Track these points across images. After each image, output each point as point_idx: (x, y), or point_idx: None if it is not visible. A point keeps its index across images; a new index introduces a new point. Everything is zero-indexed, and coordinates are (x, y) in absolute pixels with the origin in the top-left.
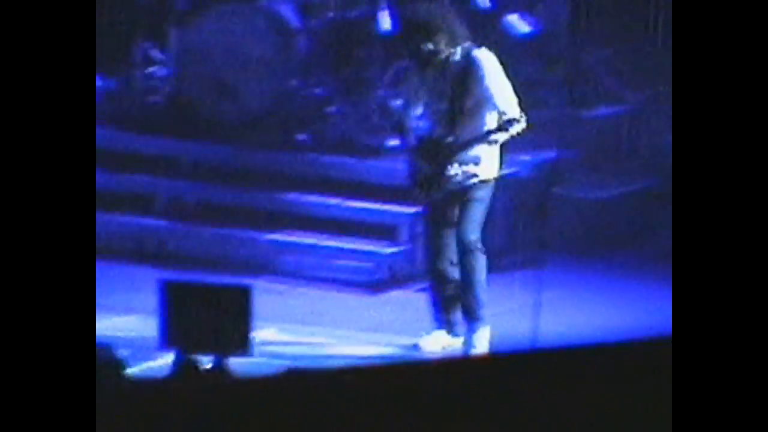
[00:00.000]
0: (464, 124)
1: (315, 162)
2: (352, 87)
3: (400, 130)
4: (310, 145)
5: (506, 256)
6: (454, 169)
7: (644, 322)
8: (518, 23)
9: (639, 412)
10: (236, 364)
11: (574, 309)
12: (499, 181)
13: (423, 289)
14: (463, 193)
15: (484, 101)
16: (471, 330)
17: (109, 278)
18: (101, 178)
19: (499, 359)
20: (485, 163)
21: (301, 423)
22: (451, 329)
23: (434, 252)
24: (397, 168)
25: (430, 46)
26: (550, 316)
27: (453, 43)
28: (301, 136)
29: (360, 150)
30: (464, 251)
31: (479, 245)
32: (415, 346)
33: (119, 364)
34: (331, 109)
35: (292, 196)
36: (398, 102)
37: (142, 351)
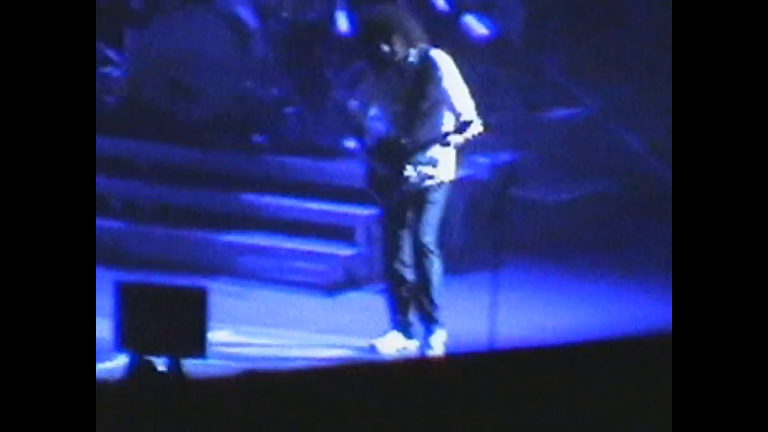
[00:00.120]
0: (421, 126)
1: (272, 163)
2: (309, 88)
3: (357, 131)
4: (266, 146)
5: (463, 257)
6: (411, 171)
7: (601, 323)
8: (475, 25)
9: (607, 409)
10: (192, 365)
11: (531, 310)
12: (456, 183)
13: (379, 291)
14: (419, 195)
15: (441, 103)
16: (427, 332)
17: None
18: None
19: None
20: (442, 165)
21: (259, 424)
22: (407, 331)
23: (390, 254)
24: (354, 169)
25: (387, 47)
26: (507, 317)
27: (410, 44)
28: (257, 137)
29: (317, 151)
30: (420, 253)
31: (435, 248)
32: (372, 348)
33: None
34: (288, 110)
35: (249, 197)
36: (355, 103)
37: (97, 353)
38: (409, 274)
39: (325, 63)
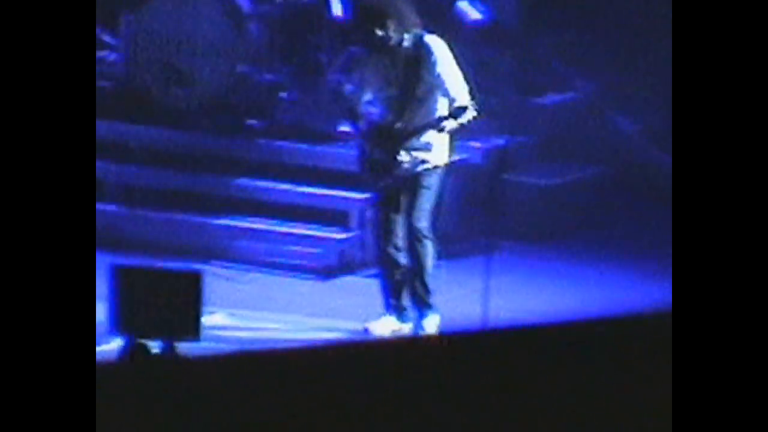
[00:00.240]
0: (415, 111)
1: (266, 147)
2: (303, 72)
3: (351, 115)
4: (261, 131)
5: (456, 242)
6: (405, 156)
7: (594, 306)
8: (469, 10)
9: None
10: (185, 349)
11: (524, 295)
12: (450, 167)
13: (373, 275)
14: (413, 180)
15: (435, 88)
16: (420, 316)
17: None
18: None
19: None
20: (436, 150)
21: (254, 405)
22: (400, 315)
23: (384, 238)
24: (349, 154)
25: (381, 32)
26: (500, 302)
27: (404, 29)
28: (252, 122)
29: (311, 135)
30: (414, 238)
31: (429, 232)
32: (365, 332)
33: None
34: (283, 94)
35: (244, 181)
36: (349, 88)
37: None
38: (403, 259)
39: (320, 47)
